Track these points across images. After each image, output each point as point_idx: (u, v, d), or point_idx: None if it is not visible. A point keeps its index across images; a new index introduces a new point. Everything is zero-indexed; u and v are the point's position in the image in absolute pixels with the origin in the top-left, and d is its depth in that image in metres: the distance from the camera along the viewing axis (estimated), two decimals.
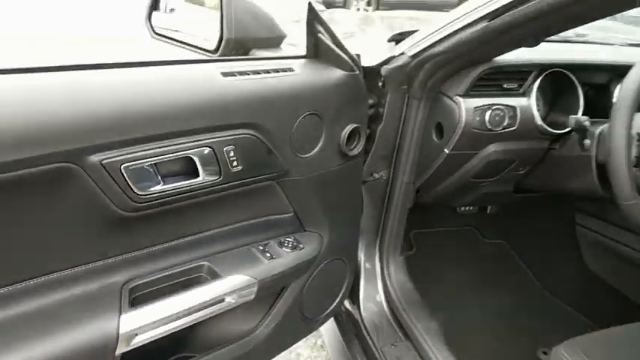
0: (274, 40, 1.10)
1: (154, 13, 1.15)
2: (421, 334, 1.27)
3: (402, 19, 1.90)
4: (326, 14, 2.06)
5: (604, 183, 1.19)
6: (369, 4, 10.17)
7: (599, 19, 0.93)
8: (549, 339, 1.10)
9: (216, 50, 1.02)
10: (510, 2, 0.87)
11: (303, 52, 1.02)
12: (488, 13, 0.92)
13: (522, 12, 0.86)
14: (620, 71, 1.15)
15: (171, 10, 1.15)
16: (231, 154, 0.85)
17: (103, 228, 0.78)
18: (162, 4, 1.16)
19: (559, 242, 1.85)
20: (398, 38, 1.21)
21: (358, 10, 10.09)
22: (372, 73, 1.13)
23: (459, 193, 1.51)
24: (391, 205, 1.35)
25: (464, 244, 1.90)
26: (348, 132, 1.04)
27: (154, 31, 1.16)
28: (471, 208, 1.78)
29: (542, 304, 1.74)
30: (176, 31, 1.15)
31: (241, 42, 1.03)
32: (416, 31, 1.17)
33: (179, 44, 1.12)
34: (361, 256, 1.38)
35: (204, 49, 1.05)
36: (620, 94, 1.05)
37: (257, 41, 1.07)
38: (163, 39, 1.15)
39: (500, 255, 1.93)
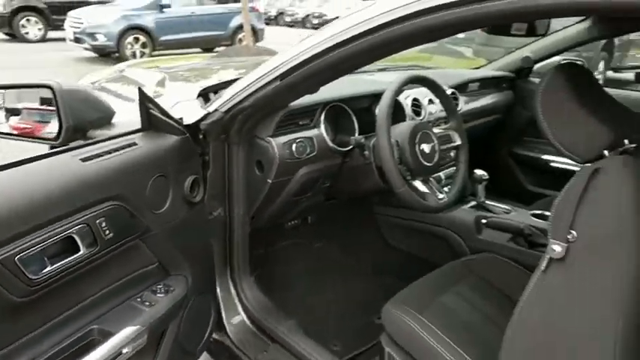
0: (106, 118, 1.23)
1: None
2: (285, 334, 1.49)
3: (184, 72, 2.16)
4: (117, 73, 2.18)
5: (384, 180, 1.50)
6: (144, 46, 10.06)
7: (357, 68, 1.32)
8: (379, 304, 1.36)
9: (58, 138, 1.11)
10: (291, 68, 1.17)
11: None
12: (279, 75, 1.20)
13: (300, 74, 1.17)
14: (377, 96, 1.53)
15: None
16: (103, 224, 0.98)
17: (1, 318, 0.84)
18: None
19: (365, 230, 2.25)
20: (204, 93, 1.45)
21: (134, 54, 9.89)
22: (193, 129, 1.32)
23: (285, 212, 1.79)
24: (233, 236, 1.55)
25: (297, 252, 2.18)
26: (189, 183, 1.24)
27: None
28: (296, 221, 2.10)
29: (365, 281, 2.12)
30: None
31: (79, 127, 1.14)
32: (217, 84, 1.44)
33: (16, 138, 1.16)
34: (218, 286, 1.55)
35: (46, 139, 1.13)
36: (378, 115, 1.44)
37: (92, 122, 1.19)
38: None
39: (325, 254, 2.23)
